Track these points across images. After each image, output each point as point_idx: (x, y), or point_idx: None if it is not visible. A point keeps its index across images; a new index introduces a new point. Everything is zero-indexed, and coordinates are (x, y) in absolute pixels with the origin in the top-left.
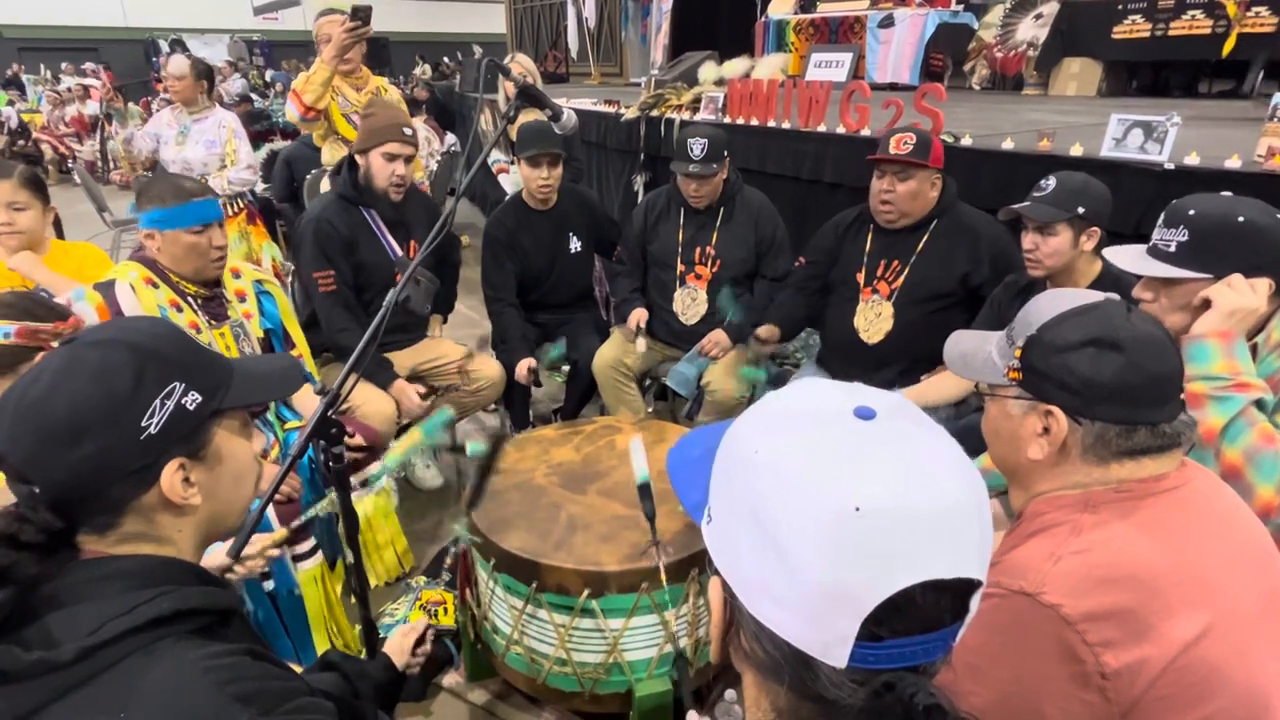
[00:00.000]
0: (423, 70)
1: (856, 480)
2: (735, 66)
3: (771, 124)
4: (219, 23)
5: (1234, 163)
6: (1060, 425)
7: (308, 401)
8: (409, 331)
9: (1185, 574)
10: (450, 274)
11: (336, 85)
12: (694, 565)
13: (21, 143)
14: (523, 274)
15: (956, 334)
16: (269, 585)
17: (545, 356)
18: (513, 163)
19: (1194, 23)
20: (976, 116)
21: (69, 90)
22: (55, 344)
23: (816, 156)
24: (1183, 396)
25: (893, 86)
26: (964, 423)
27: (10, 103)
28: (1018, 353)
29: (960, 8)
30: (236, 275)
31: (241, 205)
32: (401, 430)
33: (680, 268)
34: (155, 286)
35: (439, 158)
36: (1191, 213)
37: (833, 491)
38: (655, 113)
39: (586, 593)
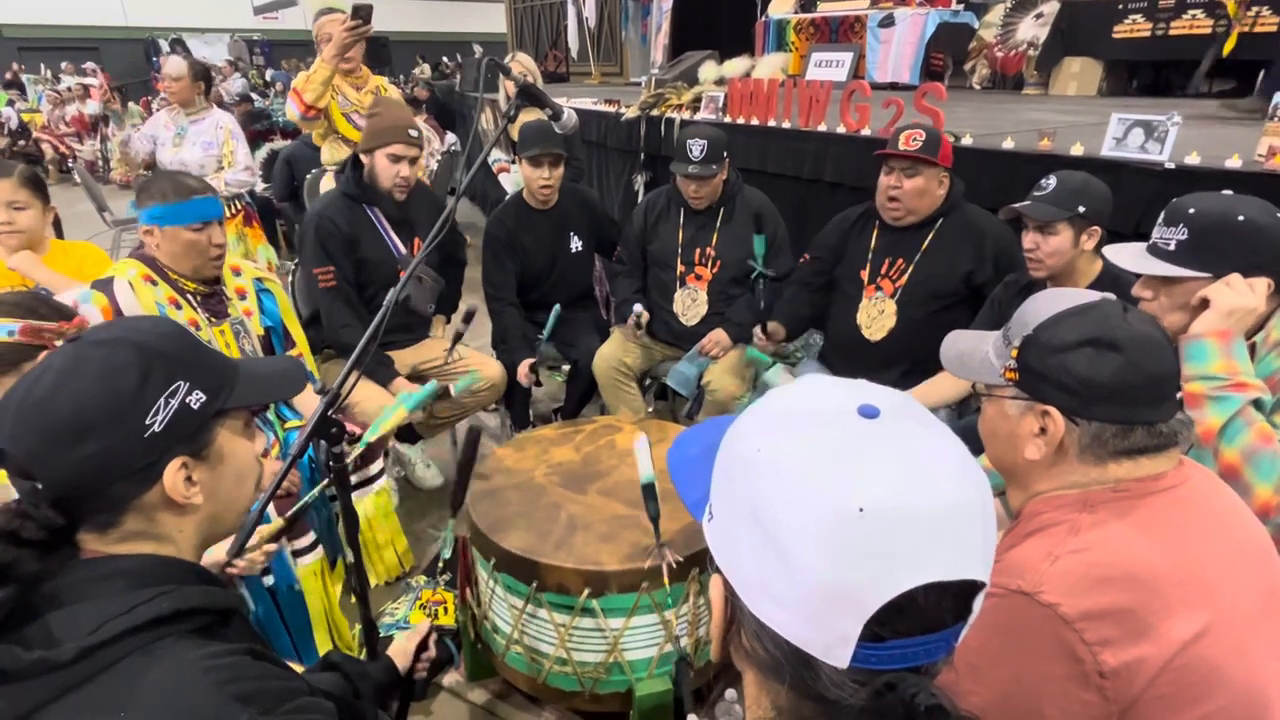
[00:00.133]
0: (421, 70)
1: (857, 480)
2: (735, 66)
3: (772, 124)
4: (219, 22)
5: (1234, 162)
6: (1057, 425)
7: (308, 400)
8: (412, 331)
9: (1184, 573)
10: (455, 273)
11: (336, 84)
12: (694, 565)
13: (22, 143)
14: (523, 273)
15: (953, 334)
16: (269, 581)
17: (542, 345)
18: (513, 162)
19: (1194, 22)
20: (977, 116)
21: (69, 90)
22: (59, 343)
23: (817, 156)
24: (1180, 396)
25: (893, 86)
26: (964, 423)
27: (10, 102)
28: (1014, 353)
29: (960, 7)
30: (237, 273)
31: (239, 207)
32: (400, 431)
33: (680, 268)
34: (154, 284)
35: (439, 157)
36: (1191, 211)
37: (833, 491)
38: (655, 112)
39: (587, 592)
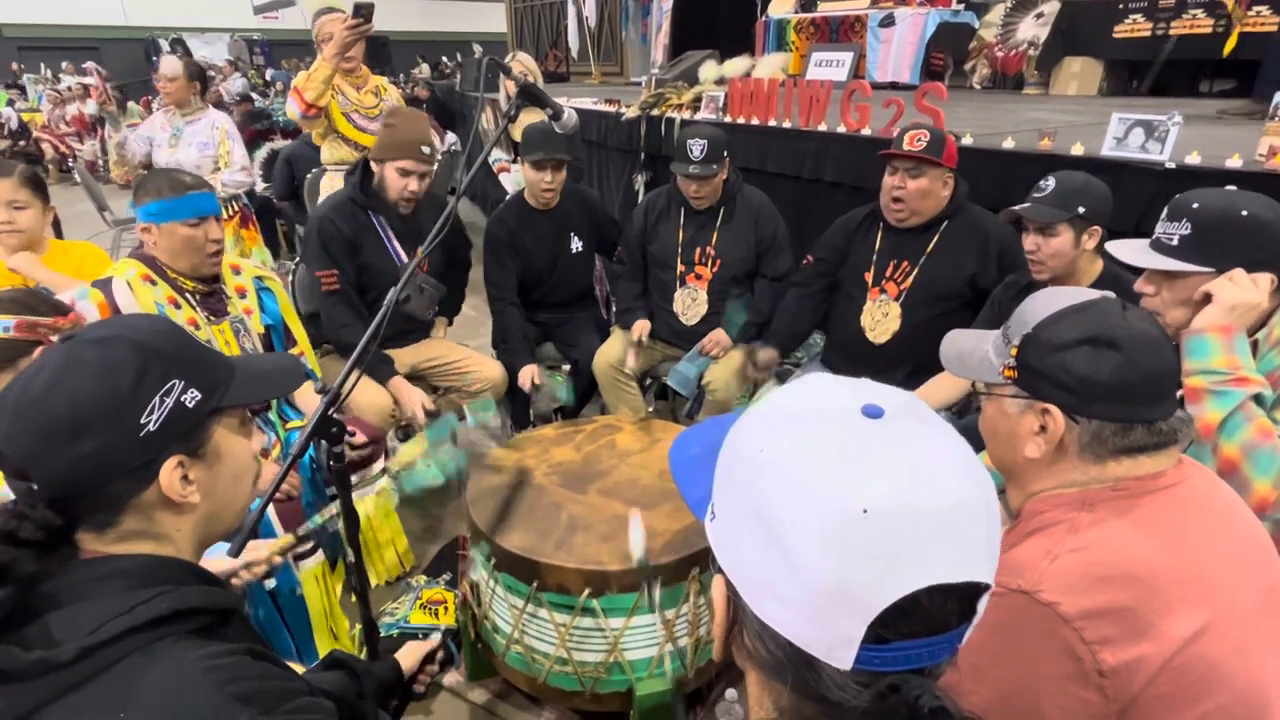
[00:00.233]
0: (420, 70)
1: (861, 480)
2: (736, 66)
3: (772, 123)
4: (219, 22)
5: (1235, 162)
6: (1057, 423)
7: (309, 400)
8: (413, 333)
9: (1183, 572)
10: (459, 275)
11: (337, 84)
12: (694, 564)
13: (22, 142)
14: (524, 273)
15: (953, 333)
16: (270, 584)
17: (551, 391)
18: (514, 161)
19: (1195, 22)
20: (977, 116)
21: (69, 89)
22: (55, 338)
23: (817, 156)
24: (1180, 393)
25: (893, 86)
26: (964, 423)
27: (10, 102)
28: (1014, 351)
29: (961, 7)
30: (236, 272)
31: (236, 209)
32: (400, 432)
33: (680, 268)
34: (153, 283)
35: (439, 157)
36: (1195, 206)
37: (837, 491)
38: (656, 112)
39: (587, 592)
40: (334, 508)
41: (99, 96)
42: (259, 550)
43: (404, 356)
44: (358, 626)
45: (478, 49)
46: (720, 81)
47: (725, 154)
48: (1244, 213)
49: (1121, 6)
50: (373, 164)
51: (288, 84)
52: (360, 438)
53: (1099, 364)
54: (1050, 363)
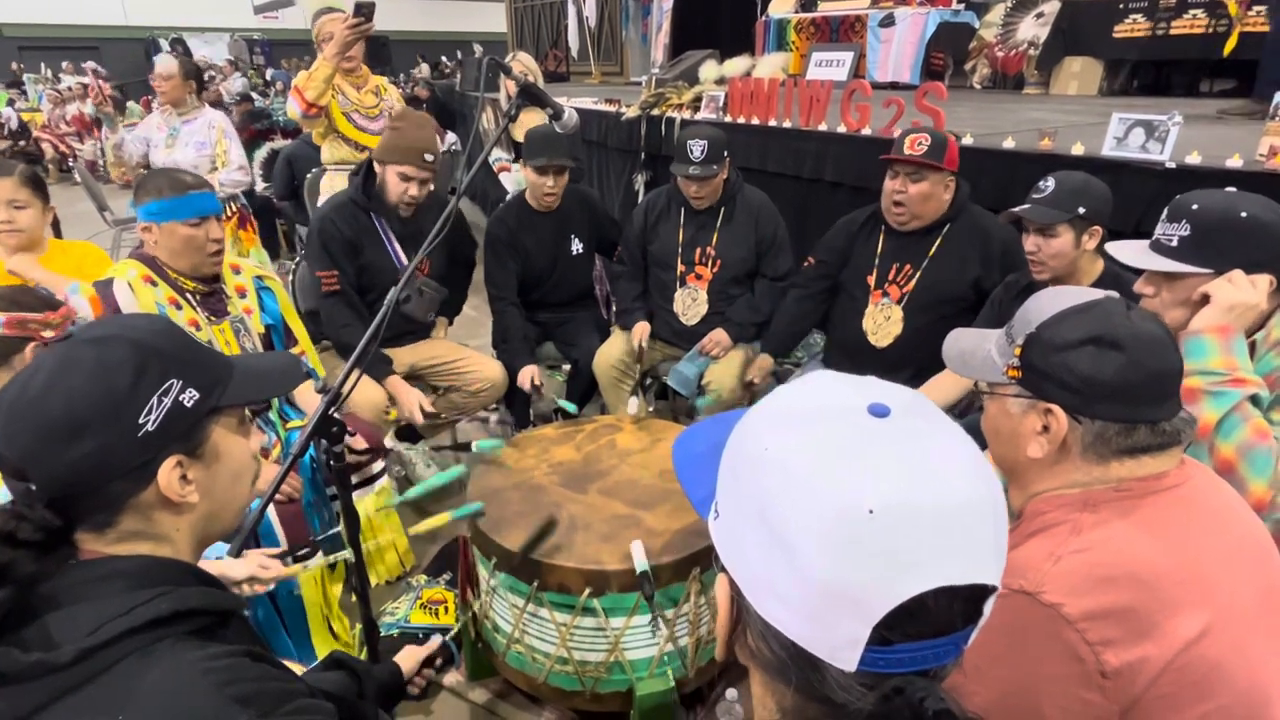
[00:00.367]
0: (420, 70)
1: (867, 479)
2: (736, 65)
3: (772, 123)
4: (219, 21)
5: (1235, 162)
6: (1060, 424)
7: (310, 399)
8: (413, 335)
9: (1186, 572)
10: (463, 273)
11: (337, 83)
12: (695, 564)
13: (22, 142)
14: (524, 273)
15: (956, 332)
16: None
17: (555, 406)
18: (514, 161)
19: (1195, 21)
20: (977, 116)
21: (69, 89)
22: (46, 334)
23: (817, 156)
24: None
25: (894, 85)
26: (965, 422)
27: (10, 102)
28: (1017, 351)
29: (961, 7)
30: (236, 271)
31: (234, 209)
32: (399, 430)
33: (680, 268)
34: (154, 284)
35: (440, 157)
36: (1194, 207)
37: (842, 490)
38: (656, 112)
39: (588, 591)
40: (346, 554)
41: (95, 97)
42: (266, 571)
43: (403, 356)
44: (358, 626)
45: (478, 49)
46: (720, 81)
47: (725, 154)
48: (1243, 214)
49: (1121, 6)
50: (375, 165)
51: (288, 84)
52: (360, 443)
53: (1102, 364)
54: (1054, 362)
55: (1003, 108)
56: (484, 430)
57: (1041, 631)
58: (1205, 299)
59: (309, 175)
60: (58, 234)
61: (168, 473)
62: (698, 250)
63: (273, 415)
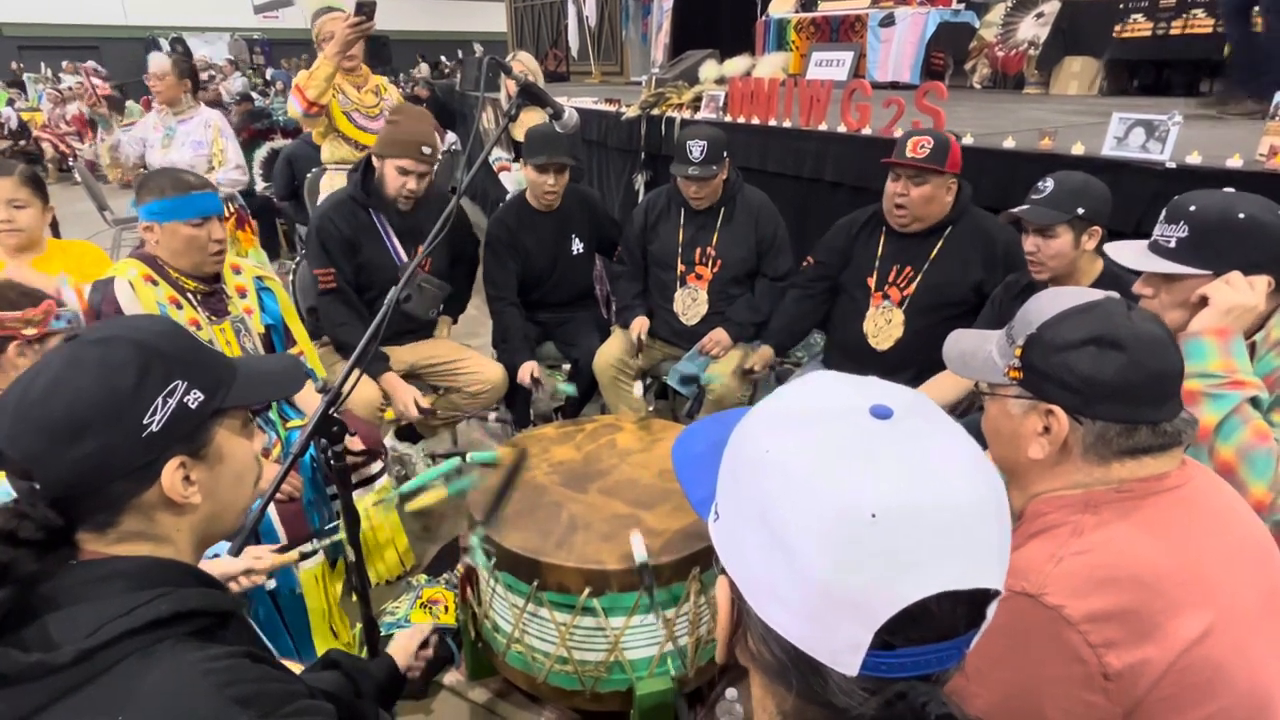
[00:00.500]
0: (419, 69)
1: (868, 481)
2: (736, 65)
3: (772, 123)
4: (219, 21)
5: (1235, 162)
6: (1061, 424)
7: (309, 399)
8: (414, 333)
9: (1187, 574)
10: (466, 271)
11: (337, 83)
12: (695, 564)
13: (22, 142)
14: (524, 273)
15: (956, 333)
16: (270, 584)
17: (554, 389)
18: (514, 160)
19: (1195, 21)
20: (977, 115)
21: (70, 89)
22: (28, 331)
23: (817, 155)
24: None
25: (894, 85)
26: (965, 422)
27: (10, 101)
28: (1018, 351)
29: (961, 6)
30: (237, 271)
31: (232, 209)
32: (399, 431)
33: (681, 268)
34: (155, 284)
35: (439, 157)
36: (1192, 209)
37: (844, 492)
38: (656, 111)
39: (588, 591)
40: (340, 533)
41: (89, 99)
42: (260, 561)
43: (403, 355)
44: (358, 626)
45: (478, 48)
46: (720, 81)
47: (725, 154)
48: (1241, 215)
49: (1122, 6)
50: (374, 160)
51: (288, 83)
52: (356, 444)
53: (1103, 364)
54: (1054, 363)
55: (1003, 108)
56: (483, 429)
57: (1043, 633)
58: (1203, 301)
59: (309, 175)
60: (56, 234)
61: (171, 473)
62: (698, 250)
63: (272, 415)
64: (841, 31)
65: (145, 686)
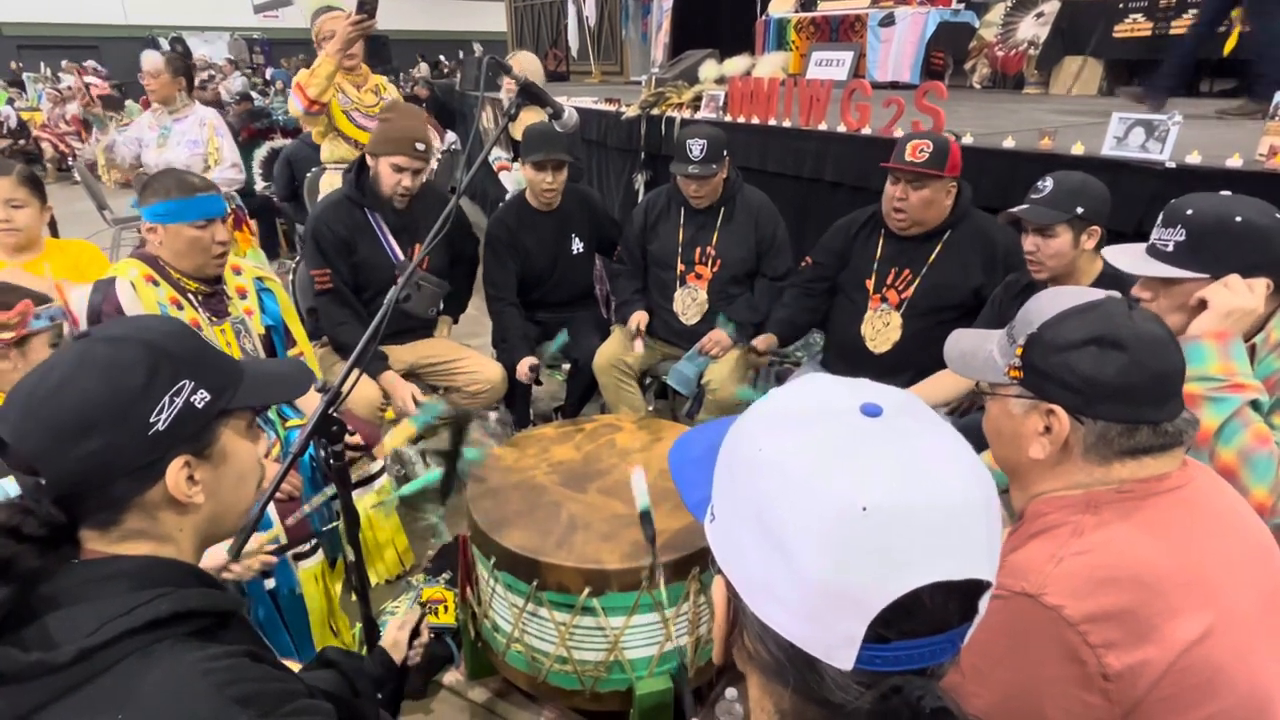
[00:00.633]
0: (419, 69)
1: (861, 478)
2: (736, 65)
3: (772, 123)
4: (219, 20)
5: (1235, 162)
6: (1062, 424)
7: (309, 399)
8: (413, 333)
9: (1188, 574)
10: (465, 270)
11: (337, 82)
12: (694, 564)
13: (21, 141)
14: (524, 273)
15: (956, 332)
16: (270, 584)
17: (546, 352)
18: (514, 159)
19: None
20: (977, 115)
21: (69, 88)
22: (5, 335)
23: (817, 155)
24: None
25: (894, 85)
26: (965, 422)
27: (10, 101)
28: (1019, 351)
29: (961, 6)
30: (237, 272)
31: (230, 209)
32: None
33: (680, 267)
34: (156, 284)
35: (439, 156)
36: (1189, 212)
37: (837, 490)
38: (656, 111)
39: (587, 591)
40: (322, 494)
41: (83, 99)
42: (250, 543)
43: (402, 354)
44: (358, 625)
45: (478, 48)
46: (720, 81)
47: (725, 154)
48: (1238, 218)
49: (1122, 6)
50: (368, 159)
51: (287, 83)
52: (356, 439)
53: (1104, 364)
54: (1055, 363)
55: (1003, 107)
56: (483, 429)
57: (1043, 634)
58: (1202, 304)
59: (309, 174)
60: (55, 233)
61: (175, 472)
62: (698, 250)
63: (271, 414)
64: (841, 31)
65: (145, 686)
